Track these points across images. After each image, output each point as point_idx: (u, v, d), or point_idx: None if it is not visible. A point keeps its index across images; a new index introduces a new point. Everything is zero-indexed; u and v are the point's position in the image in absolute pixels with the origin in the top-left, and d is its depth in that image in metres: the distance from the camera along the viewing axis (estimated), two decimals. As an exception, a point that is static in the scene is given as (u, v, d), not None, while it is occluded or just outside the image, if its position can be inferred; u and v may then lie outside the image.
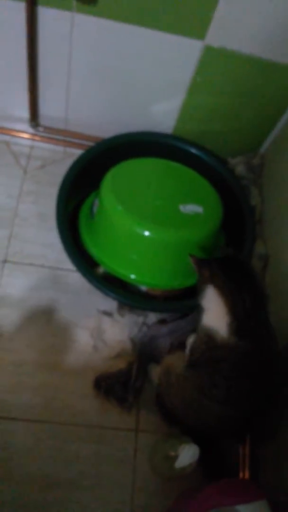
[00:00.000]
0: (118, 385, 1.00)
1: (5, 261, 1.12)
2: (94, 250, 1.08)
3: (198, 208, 1.04)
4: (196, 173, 1.13)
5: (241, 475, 0.94)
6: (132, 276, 1.04)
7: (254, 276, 0.86)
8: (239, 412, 0.82)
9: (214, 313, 0.82)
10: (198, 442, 0.89)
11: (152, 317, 1.08)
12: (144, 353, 1.04)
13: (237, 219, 1.12)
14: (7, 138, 1.28)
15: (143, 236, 0.97)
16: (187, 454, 0.86)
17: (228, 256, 0.92)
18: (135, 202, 1.01)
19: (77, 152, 1.17)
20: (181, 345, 0.94)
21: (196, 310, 0.90)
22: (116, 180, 1.04)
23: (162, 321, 1.08)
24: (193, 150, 1.17)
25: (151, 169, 1.12)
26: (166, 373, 0.92)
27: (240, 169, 1.17)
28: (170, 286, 1.06)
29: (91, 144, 1.20)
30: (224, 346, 0.79)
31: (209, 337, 0.81)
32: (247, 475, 0.94)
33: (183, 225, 1.00)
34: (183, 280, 1.06)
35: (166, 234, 0.98)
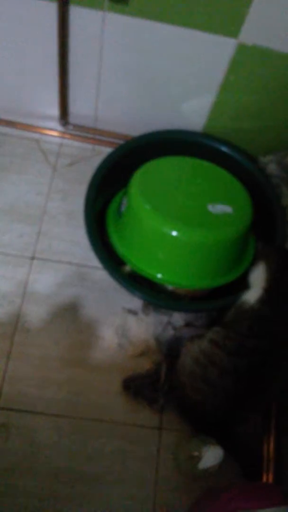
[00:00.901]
0: (148, 386, 1.00)
1: (33, 258, 1.14)
2: (121, 249, 1.07)
3: (227, 208, 1.02)
4: (226, 172, 1.11)
5: (264, 478, 0.93)
6: (159, 276, 1.03)
7: None
8: (244, 371, 0.86)
9: (254, 292, 0.91)
10: (221, 441, 0.89)
11: (177, 317, 1.08)
12: (171, 354, 1.04)
13: (268, 219, 1.11)
14: (37, 135, 1.30)
15: (171, 236, 0.97)
16: (210, 456, 0.86)
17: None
18: (163, 201, 1.00)
19: (106, 150, 1.17)
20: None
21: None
22: (144, 179, 1.04)
23: (188, 324, 1.08)
24: (224, 148, 1.16)
25: (180, 168, 1.11)
26: (183, 355, 0.96)
27: (271, 168, 1.15)
28: (196, 286, 1.05)
29: (120, 142, 1.20)
30: (248, 310, 0.89)
31: (240, 305, 0.92)
32: (271, 479, 0.93)
33: (212, 225, 0.99)
34: (210, 281, 1.05)
35: (194, 235, 0.97)
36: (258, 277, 0.92)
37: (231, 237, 0.99)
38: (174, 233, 0.96)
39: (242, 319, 0.89)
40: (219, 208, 1.02)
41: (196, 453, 0.89)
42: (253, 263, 0.97)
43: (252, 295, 0.90)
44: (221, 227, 0.99)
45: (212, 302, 1.03)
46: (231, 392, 0.87)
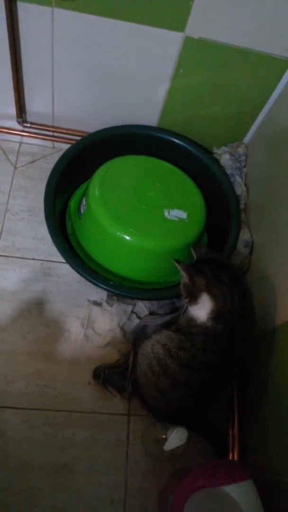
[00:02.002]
0: (117, 375, 1.02)
1: (-3, 255, 1.15)
2: (83, 246, 1.12)
3: (182, 214, 1.06)
4: (183, 174, 1.16)
5: (230, 456, 0.96)
6: (119, 273, 1.08)
7: (239, 277, 0.90)
8: (196, 384, 0.86)
9: (201, 310, 0.86)
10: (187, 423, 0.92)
11: (141, 306, 1.10)
12: (137, 343, 1.06)
13: (223, 208, 1.14)
14: (-4, 135, 1.30)
15: (125, 240, 1.01)
16: (175, 437, 0.88)
17: (212, 259, 0.92)
18: (120, 207, 1.04)
19: (66, 147, 1.18)
20: (166, 325, 0.98)
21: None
22: (103, 182, 1.07)
23: (152, 313, 1.10)
24: (178, 141, 1.19)
25: (137, 170, 1.14)
26: (141, 355, 0.96)
27: (225, 158, 1.18)
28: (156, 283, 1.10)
29: (78, 138, 1.21)
30: (201, 325, 0.85)
31: (191, 319, 0.87)
32: (236, 456, 0.96)
33: (166, 232, 1.03)
34: (168, 278, 1.11)
35: (149, 242, 1.02)
36: (204, 301, 0.86)
37: (185, 243, 1.03)
38: (128, 238, 1.01)
39: (195, 332, 0.86)
40: (174, 214, 1.06)
41: (163, 436, 0.92)
42: (192, 289, 0.86)
43: (201, 313, 0.85)
44: (173, 235, 1.04)
45: (173, 289, 1.06)
46: (183, 402, 0.88)
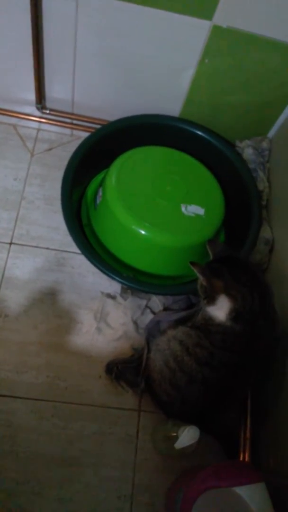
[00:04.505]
0: (130, 370, 1.01)
1: (11, 243, 1.13)
2: (99, 237, 1.10)
3: (199, 210, 1.04)
4: (204, 167, 1.12)
5: (241, 457, 0.95)
6: (134, 266, 1.06)
7: (259, 276, 0.88)
8: (213, 382, 0.85)
9: (219, 310, 0.84)
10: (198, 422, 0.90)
11: (156, 301, 1.09)
12: (151, 339, 1.04)
13: (244, 203, 1.11)
14: (14, 120, 1.28)
15: (140, 234, 0.99)
16: (187, 436, 0.86)
17: (230, 257, 0.89)
18: (137, 200, 1.02)
19: (84, 135, 1.16)
20: (181, 321, 0.97)
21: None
22: (121, 173, 1.05)
23: (167, 309, 1.08)
24: (200, 133, 1.16)
25: (156, 162, 1.12)
26: (155, 350, 0.95)
27: (248, 153, 1.15)
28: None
29: (98, 127, 1.19)
30: (220, 324, 0.83)
31: (209, 318, 0.85)
32: (247, 458, 0.95)
33: (182, 229, 1.01)
34: (184, 273, 1.09)
35: (164, 238, 1.00)
36: (223, 302, 0.84)
37: (198, 242, 1.01)
38: (143, 233, 0.99)
39: (215, 331, 0.84)
40: (192, 210, 1.03)
41: (173, 434, 0.90)
42: (210, 291, 0.84)
43: (220, 313, 0.83)
44: (189, 232, 1.01)
45: (189, 285, 1.04)
46: (198, 399, 0.87)
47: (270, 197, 1.13)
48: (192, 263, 0.84)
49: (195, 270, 0.84)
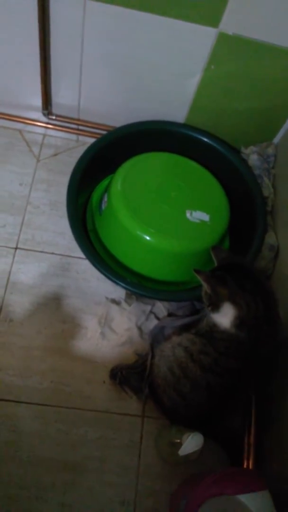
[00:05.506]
0: (134, 376, 1.01)
1: (16, 248, 1.14)
2: (104, 243, 1.10)
3: (204, 216, 1.04)
4: (209, 174, 1.13)
5: (245, 464, 0.94)
6: (139, 272, 1.06)
7: (263, 283, 0.87)
8: (217, 388, 0.85)
9: (223, 317, 0.83)
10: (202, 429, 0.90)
11: (160, 307, 1.09)
12: (155, 345, 1.04)
13: (249, 209, 1.11)
14: (20, 126, 1.29)
15: (147, 242, 1.00)
16: (191, 442, 0.86)
17: (234, 264, 0.89)
18: (142, 206, 1.02)
19: (90, 141, 1.17)
20: (186, 327, 0.96)
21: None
22: (125, 179, 1.05)
23: (171, 314, 1.08)
24: (205, 139, 1.16)
25: (162, 168, 1.12)
26: (158, 356, 0.95)
27: (253, 159, 1.15)
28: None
29: (104, 133, 1.20)
30: (225, 331, 0.83)
31: (213, 325, 0.85)
32: (251, 465, 0.94)
33: (187, 235, 1.01)
34: (188, 279, 1.09)
35: (169, 244, 1.00)
36: (227, 310, 0.83)
37: (203, 248, 1.01)
38: (148, 238, 0.99)
39: (219, 338, 0.84)
40: (196, 216, 1.04)
41: (177, 440, 0.90)
42: (214, 299, 0.83)
43: (224, 320, 0.83)
44: (194, 238, 1.01)
45: (193, 291, 1.04)
46: (202, 405, 0.87)
47: (275, 203, 1.13)
48: (196, 270, 0.84)
49: (200, 278, 0.84)
